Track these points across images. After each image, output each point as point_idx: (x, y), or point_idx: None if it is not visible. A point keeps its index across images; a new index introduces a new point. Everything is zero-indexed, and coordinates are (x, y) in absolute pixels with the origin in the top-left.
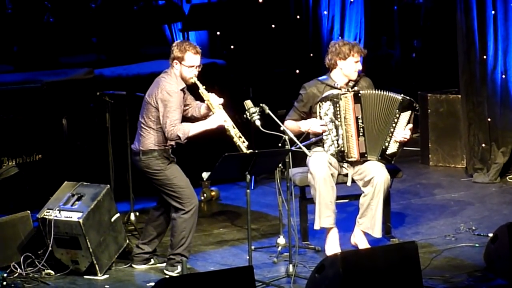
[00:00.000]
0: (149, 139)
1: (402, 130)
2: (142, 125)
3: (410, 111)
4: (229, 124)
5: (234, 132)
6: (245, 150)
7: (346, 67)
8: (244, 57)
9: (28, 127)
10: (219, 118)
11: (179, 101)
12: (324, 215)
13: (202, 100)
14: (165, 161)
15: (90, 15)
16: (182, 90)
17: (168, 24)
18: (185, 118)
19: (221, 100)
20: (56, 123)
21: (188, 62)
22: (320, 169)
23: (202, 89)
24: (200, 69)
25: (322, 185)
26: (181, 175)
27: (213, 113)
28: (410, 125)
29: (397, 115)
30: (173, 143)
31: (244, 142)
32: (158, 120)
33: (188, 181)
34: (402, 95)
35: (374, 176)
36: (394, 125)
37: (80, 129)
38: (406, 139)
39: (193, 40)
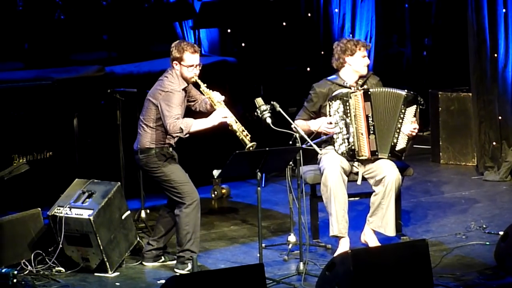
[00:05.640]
0: (147, 138)
1: (409, 124)
2: (141, 123)
3: (415, 106)
4: (231, 120)
5: (237, 126)
6: (248, 144)
7: (355, 62)
8: (255, 55)
9: (39, 124)
10: (220, 114)
11: (180, 99)
12: (340, 223)
13: None
14: (162, 158)
15: (101, 12)
16: (184, 89)
17: (179, 22)
18: (194, 113)
19: (223, 97)
20: (67, 120)
21: (187, 62)
22: (334, 177)
23: (203, 87)
24: (200, 68)
25: (336, 194)
26: (180, 171)
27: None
28: (416, 119)
29: (403, 110)
30: (172, 141)
31: (247, 135)
32: (158, 118)
33: (188, 177)
34: (406, 90)
35: (386, 176)
36: (400, 120)
37: (90, 126)
38: (414, 134)
39: (204, 38)
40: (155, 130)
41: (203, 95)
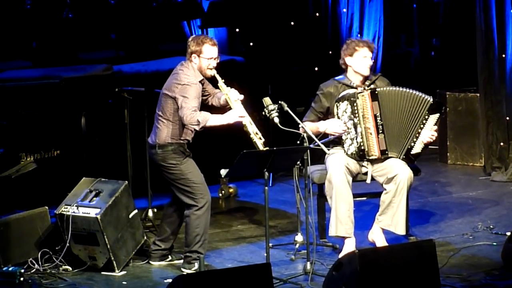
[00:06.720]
0: (165, 132)
1: (429, 131)
2: (159, 118)
3: (438, 114)
4: (246, 120)
5: (251, 128)
6: (261, 147)
7: (355, 63)
8: (263, 54)
9: (47, 123)
10: (236, 113)
11: (197, 92)
12: (346, 223)
13: None
14: (181, 155)
15: (109, 11)
16: (200, 82)
17: (187, 21)
18: (206, 107)
19: (241, 96)
20: (74, 119)
21: (206, 54)
22: (338, 177)
23: (221, 83)
24: (218, 61)
25: (341, 193)
26: (196, 171)
27: (231, 108)
28: (436, 127)
29: (426, 117)
30: (189, 137)
31: (260, 139)
32: (175, 112)
33: (203, 177)
34: (431, 96)
35: (398, 174)
36: (422, 126)
37: (98, 125)
38: (432, 141)
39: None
40: (172, 124)
41: (218, 90)
